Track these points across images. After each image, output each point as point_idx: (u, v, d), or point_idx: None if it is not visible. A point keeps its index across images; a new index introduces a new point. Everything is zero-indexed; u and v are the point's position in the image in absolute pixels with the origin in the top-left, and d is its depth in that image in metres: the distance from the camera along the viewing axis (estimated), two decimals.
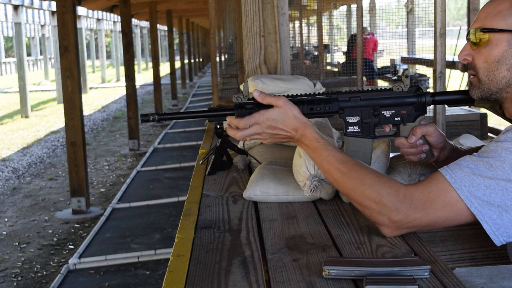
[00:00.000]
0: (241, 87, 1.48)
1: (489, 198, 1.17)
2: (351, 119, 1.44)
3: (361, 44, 5.29)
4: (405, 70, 1.48)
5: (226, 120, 1.49)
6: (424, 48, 7.49)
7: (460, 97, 1.47)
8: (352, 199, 1.32)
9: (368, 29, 10.07)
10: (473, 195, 1.18)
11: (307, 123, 1.39)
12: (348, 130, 1.45)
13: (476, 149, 1.43)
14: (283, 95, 1.42)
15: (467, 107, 5.90)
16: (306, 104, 1.45)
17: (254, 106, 1.42)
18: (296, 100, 1.45)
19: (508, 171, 1.17)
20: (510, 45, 1.27)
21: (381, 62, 10.58)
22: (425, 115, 1.45)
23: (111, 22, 24.84)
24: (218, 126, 1.49)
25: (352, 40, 10.30)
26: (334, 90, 1.55)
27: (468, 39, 1.34)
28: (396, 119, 1.44)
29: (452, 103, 1.47)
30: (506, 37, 1.27)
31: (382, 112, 1.43)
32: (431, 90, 4.95)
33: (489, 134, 4.91)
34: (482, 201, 1.18)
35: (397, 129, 1.45)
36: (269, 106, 1.40)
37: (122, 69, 18.49)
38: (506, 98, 1.31)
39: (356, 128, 1.44)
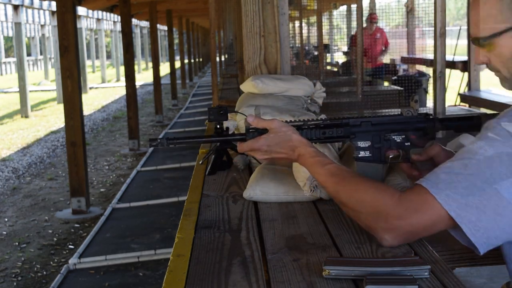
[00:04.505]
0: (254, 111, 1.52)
1: (466, 200, 1.15)
2: (363, 144, 1.45)
3: (361, 44, 5.29)
4: (414, 95, 1.50)
5: (227, 120, 1.50)
6: (424, 48, 7.49)
7: (468, 123, 1.47)
8: (348, 207, 1.30)
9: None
10: (451, 198, 1.16)
11: (303, 141, 1.40)
12: (359, 155, 1.45)
13: None
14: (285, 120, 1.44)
15: (466, 107, 5.90)
16: (318, 129, 1.46)
17: (255, 131, 1.44)
18: (307, 125, 1.46)
19: (485, 170, 1.14)
20: None
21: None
22: (434, 140, 1.45)
23: (111, 22, 24.84)
24: (218, 126, 1.49)
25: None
26: (343, 115, 1.57)
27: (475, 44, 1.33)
28: (406, 144, 1.45)
29: (460, 129, 1.48)
30: (509, 34, 1.25)
31: (393, 137, 1.45)
32: (430, 91, 4.96)
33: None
34: (460, 204, 1.15)
35: (407, 154, 1.46)
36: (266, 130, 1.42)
37: (122, 69, 18.47)
38: None
39: (367, 153, 1.45)
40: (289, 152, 1.41)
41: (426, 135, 1.44)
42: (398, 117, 1.46)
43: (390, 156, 1.46)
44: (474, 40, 1.32)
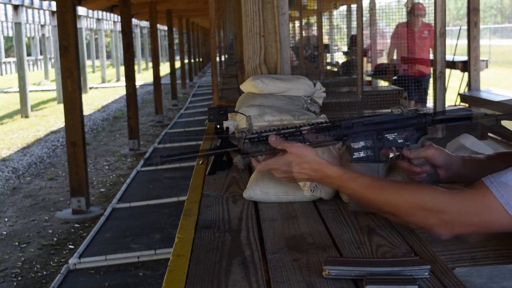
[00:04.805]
0: (244, 122, 1.52)
1: None
2: (365, 143, 1.45)
3: (361, 44, 5.28)
4: (403, 91, 1.51)
5: (227, 120, 1.50)
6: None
7: (459, 117, 1.47)
8: (396, 214, 1.28)
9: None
10: None
11: (325, 163, 1.40)
12: (360, 155, 1.45)
13: (497, 156, 1.41)
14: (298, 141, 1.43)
15: (466, 107, 5.90)
16: (311, 133, 1.46)
17: (258, 140, 1.44)
18: (300, 130, 1.46)
19: None
20: None
21: (381, 62, 10.56)
22: (427, 135, 1.46)
23: (111, 22, 24.84)
24: (218, 126, 1.49)
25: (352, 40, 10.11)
26: (336, 117, 1.57)
27: None
28: (399, 141, 1.46)
29: (457, 128, 1.48)
30: None
31: (386, 135, 1.46)
32: (430, 91, 4.98)
33: (489, 134, 4.91)
34: None
35: (401, 152, 1.47)
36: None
37: (122, 69, 18.48)
38: None
39: (369, 152, 1.46)
40: (311, 173, 1.41)
41: (419, 131, 1.45)
42: (389, 115, 1.47)
43: (390, 156, 1.46)
44: None
